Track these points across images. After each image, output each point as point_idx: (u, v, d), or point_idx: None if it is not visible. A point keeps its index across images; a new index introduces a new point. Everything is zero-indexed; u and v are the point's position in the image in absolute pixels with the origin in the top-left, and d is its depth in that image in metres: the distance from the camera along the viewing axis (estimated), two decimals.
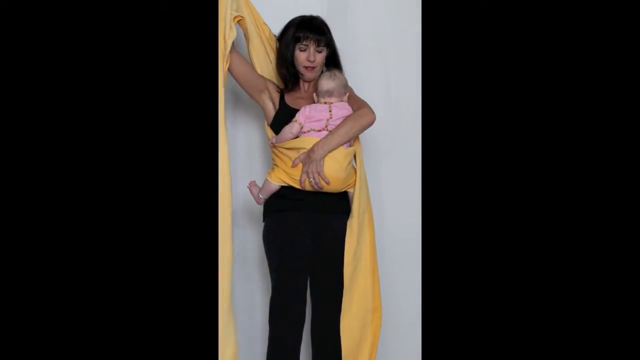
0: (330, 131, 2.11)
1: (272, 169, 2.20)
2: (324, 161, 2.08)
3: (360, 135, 2.31)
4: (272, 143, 2.17)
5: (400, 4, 2.61)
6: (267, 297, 2.51)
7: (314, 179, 2.07)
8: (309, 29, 2.18)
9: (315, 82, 2.23)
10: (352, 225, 2.18)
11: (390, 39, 2.62)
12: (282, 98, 2.24)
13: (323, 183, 2.09)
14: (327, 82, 2.16)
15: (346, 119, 2.13)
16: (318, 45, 2.18)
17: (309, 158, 2.07)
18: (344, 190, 2.19)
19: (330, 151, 2.08)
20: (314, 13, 2.35)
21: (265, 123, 2.26)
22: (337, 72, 2.20)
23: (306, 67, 2.19)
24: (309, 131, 2.13)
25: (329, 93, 2.15)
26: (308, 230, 2.15)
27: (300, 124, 2.12)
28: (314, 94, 2.19)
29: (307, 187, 2.11)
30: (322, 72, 2.24)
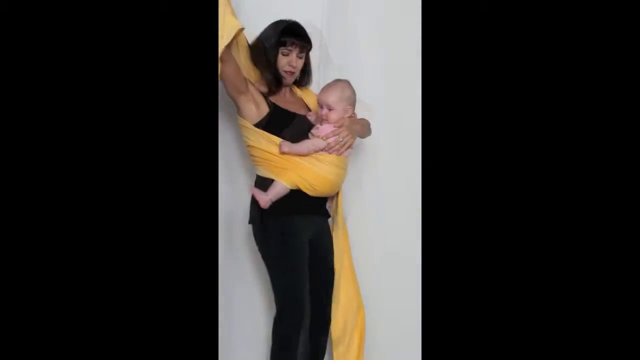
0: (356, 120, 2.25)
1: (281, 171, 2.16)
2: (329, 167, 2.16)
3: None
4: (283, 152, 2.14)
5: (400, 3, 2.60)
6: (265, 297, 2.52)
7: (345, 139, 2.16)
8: (295, 35, 2.20)
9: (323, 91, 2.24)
10: (337, 231, 2.34)
11: (391, 37, 2.62)
12: (267, 100, 2.22)
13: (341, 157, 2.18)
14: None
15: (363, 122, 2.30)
16: (301, 52, 2.22)
17: (351, 124, 2.20)
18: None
19: (357, 136, 2.25)
20: (314, 12, 2.35)
21: (243, 121, 2.20)
22: None
23: (286, 72, 2.21)
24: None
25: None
26: (310, 233, 2.20)
27: (324, 140, 2.15)
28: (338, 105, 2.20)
29: (334, 146, 2.15)
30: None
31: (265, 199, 2.14)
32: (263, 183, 2.18)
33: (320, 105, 2.21)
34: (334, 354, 2.29)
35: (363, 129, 2.28)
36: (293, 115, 2.23)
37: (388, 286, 2.55)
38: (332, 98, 2.18)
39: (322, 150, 2.15)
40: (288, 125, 2.18)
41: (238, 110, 2.22)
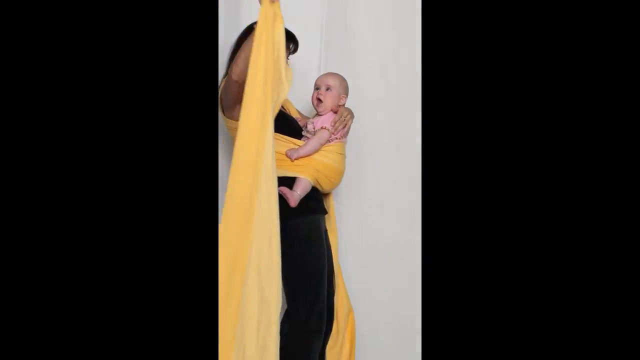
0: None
1: (297, 168, 2.15)
2: (336, 156, 2.17)
3: (359, 133, 2.39)
4: (295, 159, 2.12)
5: (400, 3, 2.60)
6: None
7: (346, 117, 2.17)
8: (291, 38, 2.19)
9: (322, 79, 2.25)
10: (333, 232, 2.35)
11: (391, 37, 2.62)
12: None
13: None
14: None
15: None
16: (288, 55, 2.20)
17: (348, 111, 2.20)
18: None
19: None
20: (314, 12, 2.34)
21: (227, 119, 2.18)
22: None
23: None
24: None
25: None
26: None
27: (329, 130, 2.15)
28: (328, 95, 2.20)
29: (338, 126, 2.16)
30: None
31: (296, 196, 2.08)
32: (279, 182, 2.08)
33: (318, 86, 2.21)
34: (328, 355, 2.28)
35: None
36: (292, 118, 2.25)
37: (388, 287, 2.55)
38: (333, 80, 2.20)
39: (328, 139, 2.15)
40: (289, 127, 2.18)
41: (232, 113, 2.15)
